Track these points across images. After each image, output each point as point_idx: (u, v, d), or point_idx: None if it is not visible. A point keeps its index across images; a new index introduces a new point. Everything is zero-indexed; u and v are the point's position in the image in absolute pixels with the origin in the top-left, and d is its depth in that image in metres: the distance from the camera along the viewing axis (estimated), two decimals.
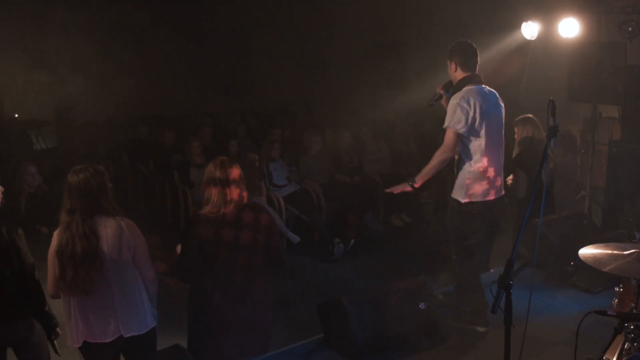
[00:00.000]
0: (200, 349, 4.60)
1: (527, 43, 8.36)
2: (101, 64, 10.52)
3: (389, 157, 10.23)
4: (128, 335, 4.14)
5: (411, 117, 10.98)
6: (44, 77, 10.92)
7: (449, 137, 5.17)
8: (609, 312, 3.34)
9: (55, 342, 4.44)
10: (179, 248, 4.51)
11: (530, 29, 8.24)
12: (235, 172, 4.51)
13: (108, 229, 4.07)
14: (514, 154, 6.88)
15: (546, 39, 8.45)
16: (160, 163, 10.10)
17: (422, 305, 5.31)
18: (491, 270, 6.64)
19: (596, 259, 3.52)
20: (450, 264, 5.91)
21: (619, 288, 4.14)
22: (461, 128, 5.09)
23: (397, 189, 5.57)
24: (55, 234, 4.05)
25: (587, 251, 3.62)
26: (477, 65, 5.34)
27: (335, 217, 9.22)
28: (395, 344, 5.24)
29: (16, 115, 11.65)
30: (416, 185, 5.44)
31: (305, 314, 6.13)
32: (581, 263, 6.48)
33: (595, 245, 3.70)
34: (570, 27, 7.96)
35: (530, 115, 6.87)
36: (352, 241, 8.34)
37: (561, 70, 8.96)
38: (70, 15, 11.06)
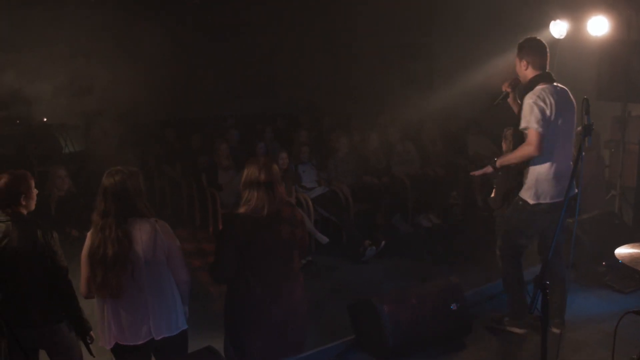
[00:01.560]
0: (238, 348, 4.61)
1: (556, 42, 8.28)
2: (128, 67, 10.56)
3: (416, 158, 10.18)
4: (160, 338, 4.15)
5: (439, 117, 10.94)
6: (73, 81, 11.00)
7: (532, 137, 5.08)
8: None
9: (90, 345, 4.48)
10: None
11: (558, 28, 8.16)
12: (277, 172, 4.54)
13: (143, 232, 4.08)
14: None
15: (575, 38, 8.37)
16: (188, 166, 10.15)
17: (454, 306, 5.31)
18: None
19: (633, 258, 3.50)
20: (482, 264, 5.90)
21: None
22: (540, 127, 5.04)
23: (479, 172, 5.59)
24: (89, 235, 4.08)
25: (623, 251, 3.60)
26: (548, 63, 5.30)
27: (364, 218, 9.21)
28: (427, 345, 5.25)
29: (45, 120, 11.75)
30: (497, 164, 5.40)
31: (335, 315, 6.14)
32: (613, 263, 6.52)
33: (632, 244, 3.67)
34: (599, 26, 7.88)
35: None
36: (383, 243, 8.32)
37: (590, 69, 8.89)
38: (98, 18, 11.15)
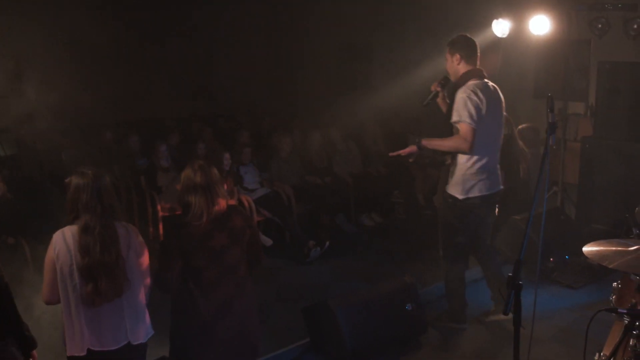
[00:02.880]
0: (185, 355, 4.42)
1: (499, 41, 8.32)
2: (63, 70, 10.20)
3: (359, 157, 10.12)
4: (136, 343, 3.96)
5: (380, 117, 10.90)
6: (3, 83, 10.57)
7: (464, 132, 5.04)
8: (619, 310, 3.26)
9: None
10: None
11: (501, 27, 8.19)
12: (216, 175, 4.35)
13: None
14: None
15: (517, 37, 8.42)
16: (126, 168, 9.85)
17: (409, 306, 5.22)
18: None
19: (602, 255, 3.44)
20: (429, 263, 5.87)
21: (618, 284, 4.06)
22: (473, 122, 4.99)
23: (404, 151, 5.40)
24: (58, 240, 3.81)
25: (591, 248, 3.54)
26: (478, 60, 5.26)
27: (307, 218, 9.09)
28: (385, 346, 5.15)
29: None
30: (422, 145, 5.30)
31: (284, 318, 6.00)
32: (561, 259, 6.56)
33: (598, 242, 3.62)
34: (540, 25, 7.94)
35: (505, 114, 6.83)
36: (327, 243, 8.21)
37: (531, 67, 8.97)
38: (32, 22, 10.77)
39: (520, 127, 7.96)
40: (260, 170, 9.27)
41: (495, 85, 5.30)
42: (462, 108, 5.01)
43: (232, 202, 7.85)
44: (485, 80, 5.21)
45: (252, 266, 4.54)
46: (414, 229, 8.70)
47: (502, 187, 5.46)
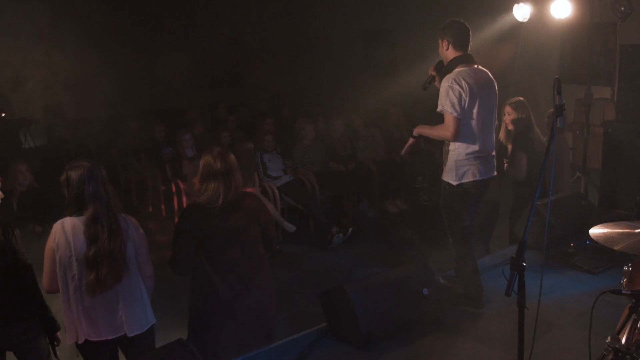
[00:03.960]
0: (204, 342, 4.54)
1: (520, 25, 8.29)
2: (89, 60, 10.38)
3: (382, 144, 10.17)
4: (132, 335, 4.10)
5: (403, 103, 10.92)
6: (31, 75, 10.78)
7: (447, 121, 5.10)
8: (623, 291, 3.30)
9: (56, 347, 4.37)
10: None
11: (522, 11, 8.17)
12: (234, 160, 4.46)
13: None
14: (503, 135, 6.87)
15: (538, 21, 8.39)
16: (152, 157, 10.01)
17: (425, 291, 5.27)
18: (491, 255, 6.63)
19: (607, 237, 3.48)
20: (448, 248, 5.90)
21: (628, 267, 4.09)
22: (455, 112, 5.04)
23: (405, 148, 5.60)
24: (58, 231, 3.95)
25: (597, 230, 3.58)
26: (470, 45, 5.28)
27: (331, 205, 9.18)
28: (401, 330, 5.21)
29: (2, 115, 11.50)
30: (414, 133, 5.42)
31: (306, 303, 6.10)
32: (582, 244, 6.55)
33: (605, 224, 3.66)
34: (562, 8, 7.90)
35: (522, 98, 6.84)
36: (350, 230, 8.29)
37: (554, 52, 8.94)
38: (56, 14, 10.96)
39: (550, 110, 7.94)
40: (284, 158, 9.37)
41: (485, 70, 5.30)
42: (444, 97, 5.06)
43: (256, 189, 8.08)
44: (475, 65, 5.22)
45: (266, 250, 4.67)
46: (437, 215, 8.72)
47: (495, 172, 5.50)
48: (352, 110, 10.67)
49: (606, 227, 3.60)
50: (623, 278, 4.10)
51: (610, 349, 2.31)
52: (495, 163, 5.54)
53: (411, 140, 5.50)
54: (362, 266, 7.52)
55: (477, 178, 5.30)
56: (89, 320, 3.99)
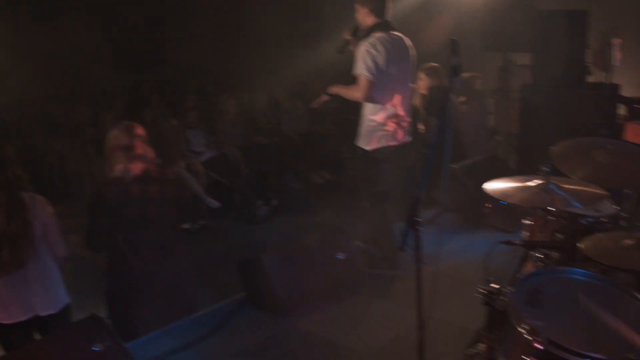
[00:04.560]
0: (121, 318, 4.53)
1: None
2: (9, 43, 10.13)
3: (306, 116, 10.20)
4: (45, 314, 4.06)
5: (327, 74, 10.92)
6: None
7: (361, 84, 5.19)
8: (515, 242, 3.42)
9: None
10: None
11: None
12: (140, 131, 4.43)
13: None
14: (419, 101, 6.97)
15: None
16: (75, 139, 9.86)
17: (340, 255, 5.34)
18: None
19: (502, 192, 3.59)
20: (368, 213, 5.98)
21: (528, 221, 4.24)
22: (370, 75, 5.11)
23: (317, 102, 5.77)
24: None
25: (492, 185, 3.68)
26: (388, 11, 5.34)
27: (256, 179, 9.19)
28: (318, 295, 5.28)
29: None
30: (330, 92, 5.53)
31: (230, 276, 6.10)
32: (497, 204, 6.71)
33: (501, 179, 3.76)
34: None
35: (436, 64, 6.95)
36: (275, 202, 8.33)
37: (475, 21, 9.05)
38: None
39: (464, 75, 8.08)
40: (208, 134, 9.33)
41: (401, 36, 5.39)
42: (361, 61, 5.16)
43: (180, 165, 8.04)
44: (392, 32, 5.30)
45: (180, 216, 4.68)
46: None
47: (410, 138, 5.61)
48: (275, 84, 10.66)
49: (501, 182, 3.71)
50: (524, 232, 4.25)
51: (486, 291, 2.41)
52: (409, 129, 5.63)
53: (324, 97, 5.63)
54: (288, 238, 7.54)
55: (391, 143, 5.39)
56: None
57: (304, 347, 4.79)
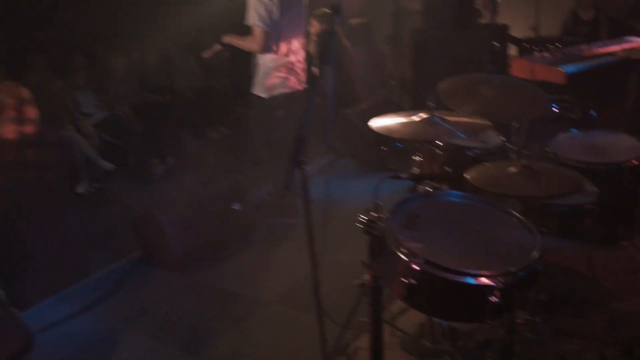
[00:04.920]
0: (14, 286, 4.39)
1: None
2: None
3: (199, 71, 10.01)
4: None
5: (218, 27, 10.72)
6: None
7: (255, 34, 5.16)
8: (401, 176, 3.43)
9: None
10: None
11: None
12: (20, 93, 4.25)
13: None
14: (312, 48, 6.95)
15: None
16: None
17: (236, 206, 5.31)
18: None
19: (387, 127, 3.59)
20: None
21: (417, 156, 4.29)
22: (263, 24, 5.06)
23: (209, 52, 5.87)
24: None
25: (377, 122, 3.68)
26: None
27: (150, 137, 8.97)
28: (215, 248, 5.25)
29: None
30: (224, 42, 5.54)
31: (129, 238, 5.99)
32: (392, 146, 6.79)
33: (386, 115, 3.77)
34: None
35: (327, 10, 6.91)
36: (170, 159, 8.18)
37: None
38: None
39: (349, 22, 8.09)
40: (98, 94, 9.05)
41: None
42: (253, 11, 5.13)
43: (69, 128, 7.78)
44: None
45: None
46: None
47: (305, 85, 5.61)
48: (166, 39, 10.38)
49: (386, 118, 3.72)
50: (413, 168, 4.30)
51: (365, 220, 2.41)
52: (304, 75, 5.61)
53: (217, 46, 5.63)
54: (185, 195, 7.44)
55: (287, 90, 5.38)
56: None
57: (204, 299, 4.77)
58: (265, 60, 5.33)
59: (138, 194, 7.79)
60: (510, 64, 6.49)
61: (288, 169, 3.11)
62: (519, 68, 6.03)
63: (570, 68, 5.90)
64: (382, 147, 6.70)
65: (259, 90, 5.42)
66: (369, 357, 2.70)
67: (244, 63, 9.97)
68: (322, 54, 6.81)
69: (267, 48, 5.21)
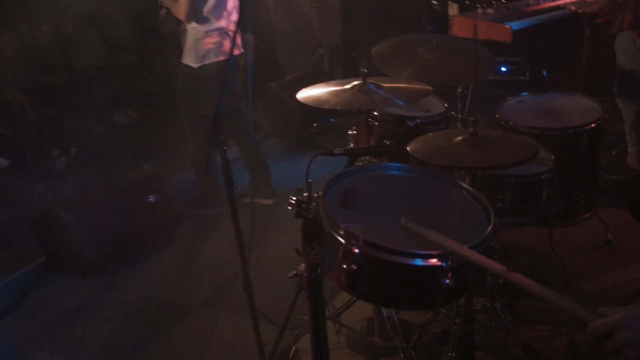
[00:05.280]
0: None
1: None
2: None
3: (100, 48, 9.82)
4: None
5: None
6: None
7: (182, 2, 5.16)
8: (335, 151, 3.43)
9: None
10: None
11: None
12: None
13: None
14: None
15: None
16: None
17: (151, 198, 5.24)
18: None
19: (316, 98, 3.56)
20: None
21: (352, 130, 4.29)
22: None
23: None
24: None
25: (304, 93, 3.65)
26: None
27: (48, 125, 8.78)
28: (130, 247, 5.17)
29: None
30: (163, 4, 5.44)
31: (30, 242, 5.86)
32: (326, 123, 6.80)
33: (314, 85, 3.75)
34: None
35: None
36: (74, 150, 8.03)
37: None
38: None
39: None
40: None
41: None
42: None
43: None
44: None
45: None
46: (175, 118, 8.64)
47: (242, 50, 5.60)
48: (60, 12, 10.15)
49: (314, 88, 3.69)
50: (349, 143, 4.30)
51: (295, 201, 2.39)
52: (236, 40, 5.56)
53: (163, 11, 5.58)
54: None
55: (220, 58, 5.35)
56: None
57: (121, 307, 4.68)
58: (196, 25, 5.31)
59: (38, 192, 7.63)
60: (450, 23, 6.53)
61: (206, 151, 3.08)
62: (461, 27, 6.07)
63: (516, 24, 5.97)
64: (314, 124, 6.69)
65: (189, 59, 5.41)
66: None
67: (149, 34, 9.87)
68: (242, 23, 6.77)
69: (191, 14, 5.17)
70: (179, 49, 5.76)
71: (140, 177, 5.38)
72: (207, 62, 5.37)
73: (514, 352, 3.85)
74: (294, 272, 2.59)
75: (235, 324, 4.32)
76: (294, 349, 3.91)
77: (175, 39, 8.98)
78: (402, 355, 3.73)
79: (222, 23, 5.36)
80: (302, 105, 6.56)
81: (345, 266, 2.10)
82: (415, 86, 3.71)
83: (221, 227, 5.55)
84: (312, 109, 6.65)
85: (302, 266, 2.47)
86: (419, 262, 2.09)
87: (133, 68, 9.56)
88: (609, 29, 5.02)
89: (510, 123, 4.20)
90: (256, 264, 3.32)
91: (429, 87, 3.68)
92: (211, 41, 5.33)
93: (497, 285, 3.98)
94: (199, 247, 5.32)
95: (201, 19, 5.29)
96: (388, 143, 3.96)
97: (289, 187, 5.81)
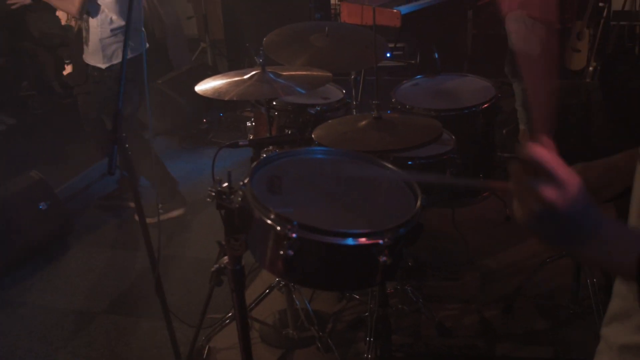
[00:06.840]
0: None
1: None
2: None
3: None
4: None
5: None
6: None
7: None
8: (240, 143, 3.42)
9: None
10: None
11: None
12: None
13: None
14: None
15: None
16: None
17: (42, 205, 5.08)
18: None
19: (216, 90, 3.53)
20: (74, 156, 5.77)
21: (251, 122, 4.29)
22: None
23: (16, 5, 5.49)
24: None
25: (203, 86, 3.61)
26: None
27: None
28: (23, 257, 5.01)
29: None
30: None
31: None
32: (215, 118, 6.76)
33: (212, 77, 3.71)
34: None
35: None
36: None
37: None
38: None
39: None
40: None
41: None
42: None
43: None
44: None
45: None
46: (55, 123, 8.39)
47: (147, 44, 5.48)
48: None
49: (213, 80, 3.66)
50: (249, 135, 4.30)
51: (215, 192, 2.36)
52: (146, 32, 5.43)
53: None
54: None
55: (130, 55, 5.16)
56: None
57: (15, 323, 4.49)
58: (100, 22, 5.06)
59: None
60: (339, 10, 6.59)
61: (108, 151, 3.02)
62: (349, 13, 6.13)
63: (405, 9, 6.08)
64: (203, 120, 6.64)
65: (96, 60, 5.16)
66: (241, 354, 2.65)
67: (25, 35, 9.52)
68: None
69: (84, 11, 4.96)
70: (52, 50, 5.50)
71: (28, 184, 5.17)
72: (115, 61, 5.16)
73: (428, 332, 3.93)
74: (217, 266, 2.56)
75: (144, 329, 4.23)
76: (207, 348, 3.88)
77: (47, 40, 8.78)
78: (319, 345, 3.76)
79: (129, 20, 5.20)
80: (190, 101, 6.56)
81: (281, 252, 2.08)
82: (314, 73, 3.74)
83: (118, 228, 5.46)
84: (200, 105, 6.66)
85: (225, 259, 2.45)
86: (352, 241, 2.12)
87: (4, 72, 9.17)
88: (498, 11, 5.16)
89: (407, 106, 4.26)
90: (164, 265, 3.26)
91: (329, 74, 3.72)
92: (119, 40, 5.14)
93: (406, 269, 4.06)
94: (96, 251, 5.20)
95: (108, 17, 5.07)
96: (290, 132, 3.97)
97: (188, 187, 5.76)
